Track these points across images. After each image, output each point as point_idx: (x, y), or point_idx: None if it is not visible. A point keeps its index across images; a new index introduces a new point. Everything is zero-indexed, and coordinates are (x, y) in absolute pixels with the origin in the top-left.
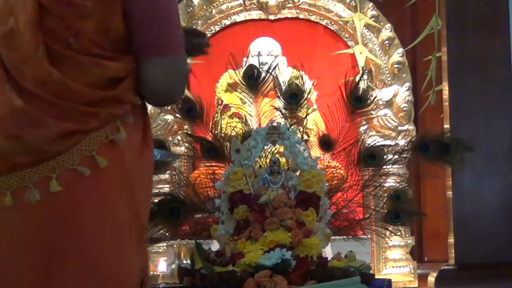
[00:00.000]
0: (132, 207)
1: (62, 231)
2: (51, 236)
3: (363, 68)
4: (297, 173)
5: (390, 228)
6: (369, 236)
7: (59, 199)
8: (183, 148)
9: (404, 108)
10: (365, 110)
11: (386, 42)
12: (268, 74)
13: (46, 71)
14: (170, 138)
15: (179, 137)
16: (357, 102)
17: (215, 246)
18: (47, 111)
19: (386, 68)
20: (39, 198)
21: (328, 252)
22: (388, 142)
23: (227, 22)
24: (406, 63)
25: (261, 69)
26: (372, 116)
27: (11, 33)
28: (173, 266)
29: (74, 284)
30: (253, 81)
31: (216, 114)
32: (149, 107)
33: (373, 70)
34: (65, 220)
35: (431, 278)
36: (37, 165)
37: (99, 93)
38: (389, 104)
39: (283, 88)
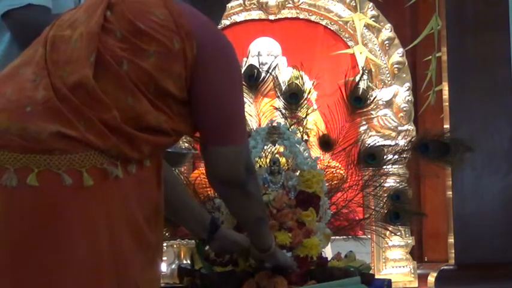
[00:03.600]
0: (116, 241)
1: (28, 225)
2: (17, 227)
3: (362, 68)
4: (297, 173)
5: (390, 228)
6: (369, 236)
7: (31, 193)
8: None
9: (404, 108)
10: (365, 110)
11: (386, 42)
12: (268, 74)
13: (86, 76)
14: None
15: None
16: (356, 102)
17: None
18: (64, 112)
19: (386, 68)
20: (14, 185)
21: (328, 252)
22: (388, 142)
23: (227, 22)
24: (406, 63)
25: (261, 69)
26: (372, 116)
27: (61, 38)
28: (173, 266)
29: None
30: (253, 81)
31: None
32: None
33: (373, 70)
34: (32, 218)
35: (431, 278)
36: (25, 153)
37: (119, 121)
38: (389, 104)
39: (283, 88)
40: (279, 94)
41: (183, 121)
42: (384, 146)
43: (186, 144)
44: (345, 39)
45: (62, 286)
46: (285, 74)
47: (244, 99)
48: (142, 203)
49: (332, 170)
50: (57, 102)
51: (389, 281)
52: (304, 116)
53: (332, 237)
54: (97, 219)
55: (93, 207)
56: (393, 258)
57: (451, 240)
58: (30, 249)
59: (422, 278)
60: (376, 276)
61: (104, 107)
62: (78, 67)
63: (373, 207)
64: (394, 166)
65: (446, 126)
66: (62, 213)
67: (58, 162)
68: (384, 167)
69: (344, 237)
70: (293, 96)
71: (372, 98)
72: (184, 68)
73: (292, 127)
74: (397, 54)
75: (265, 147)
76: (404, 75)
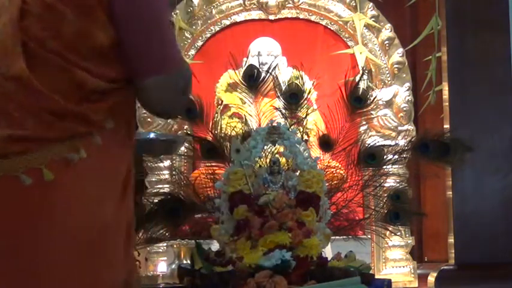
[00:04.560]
0: (89, 227)
1: None
2: None
3: (362, 68)
4: (297, 173)
5: (390, 228)
6: (369, 236)
7: None
8: (182, 148)
9: (404, 108)
10: (365, 110)
11: (386, 42)
12: (268, 74)
13: (21, 68)
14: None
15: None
16: (356, 102)
17: (215, 246)
18: (11, 112)
19: (386, 68)
20: None
21: (328, 252)
22: (388, 142)
23: (227, 22)
24: (406, 63)
25: (261, 69)
26: (372, 116)
27: None
28: (173, 266)
29: None
30: (253, 81)
31: (216, 114)
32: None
33: (373, 70)
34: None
35: (431, 278)
36: None
37: (63, 103)
38: (389, 104)
39: (283, 88)
40: (279, 94)
41: (122, 65)
42: (383, 146)
43: (184, 147)
44: (345, 39)
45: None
46: (285, 74)
47: (245, 99)
48: (113, 173)
49: (332, 170)
50: (2, 104)
51: (389, 281)
52: (304, 116)
53: (332, 237)
54: (65, 210)
55: (57, 199)
56: (393, 258)
57: (451, 240)
58: (3, 255)
59: (422, 278)
60: (376, 276)
61: (45, 96)
62: (12, 60)
63: (373, 207)
64: (394, 166)
65: (446, 126)
66: (27, 214)
67: (15, 165)
68: (384, 167)
69: (344, 237)
70: (293, 96)
71: (372, 98)
72: (104, 12)
73: (292, 127)
74: (397, 54)
75: (265, 147)
76: (404, 75)
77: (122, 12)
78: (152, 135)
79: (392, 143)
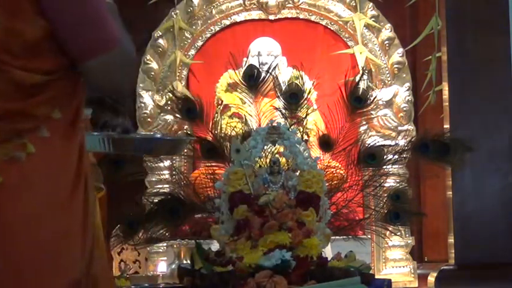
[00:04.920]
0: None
1: None
2: None
3: (362, 68)
4: (297, 173)
5: (390, 228)
6: (369, 236)
7: None
8: None
9: (404, 108)
10: (365, 110)
11: (386, 42)
12: (268, 74)
13: None
14: None
15: None
16: (356, 102)
17: (215, 246)
18: None
19: (386, 68)
20: None
21: (328, 252)
22: (388, 142)
23: (227, 22)
24: (406, 63)
25: (261, 69)
26: (372, 116)
27: None
28: (173, 266)
29: None
30: (253, 81)
31: (216, 114)
32: (149, 108)
33: (373, 70)
34: None
35: (431, 278)
36: None
37: (3, 104)
38: (389, 104)
39: (283, 88)
40: (279, 94)
41: (57, 55)
42: (383, 146)
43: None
44: (345, 39)
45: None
46: (285, 74)
47: (245, 99)
48: (63, 164)
49: (332, 170)
50: None
51: (389, 281)
52: (304, 116)
53: (332, 237)
54: (13, 212)
55: (8, 203)
56: (393, 258)
57: (451, 240)
58: None
59: (422, 278)
60: (376, 276)
61: None
62: None
63: (373, 207)
64: (394, 166)
65: (446, 126)
66: None
67: None
68: (384, 167)
69: (344, 237)
70: (293, 96)
71: (372, 98)
72: (30, 3)
73: (292, 127)
74: (397, 54)
75: (265, 147)
76: (404, 75)
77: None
78: (158, 135)
79: (392, 143)
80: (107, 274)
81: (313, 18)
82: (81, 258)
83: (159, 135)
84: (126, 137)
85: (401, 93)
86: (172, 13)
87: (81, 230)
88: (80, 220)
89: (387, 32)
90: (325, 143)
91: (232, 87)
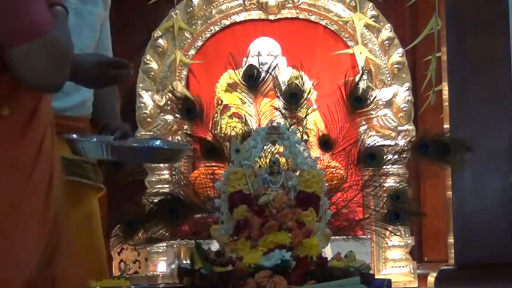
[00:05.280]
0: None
1: None
2: None
3: (362, 68)
4: (297, 173)
5: (390, 228)
6: (369, 236)
7: None
8: None
9: (404, 108)
10: (365, 110)
11: (386, 42)
12: (268, 74)
13: None
14: (170, 138)
15: (179, 137)
16: (356, 102)
17: (215, 246)
18: None
19: (386, 68)
20: None
21: (328, 252)
22: (388, 142)
23: (227, 22)
24: (406, 63)
25: (260, 69)
26: (372, 116)
27: None
28: (173, 266)
29: None
30: (253, 81)
31: (216, 114)
32: (148, 108)
33: (373, 70)
34: None
35: (431, 278)
36: None
37: None
38: (389, 104)
39: (283, 88)
40: (278, 94)
41: None
42: (383, 146)
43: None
44: (345, 39)
45: None
46: (285, 74)
47: (244, 99)
48: (12, 161)
49: (332, 170)
50: None
51: (389, 281)
52: (304, 116)
53: (332, 237)
54: None
55: None
56: (393, 258)
57: (451, 240)
58: None
59: (422, 278)
60: (376, 276)
61: None
62: None
63: (373, 207)
64: (394, 166)
65: (446, 126)
66: None
67: None
68: (384, 167)
69: (344, 237)
70: (293, 96)
71: (371, 98)
72: None
73: (292, 127)
74: (397, 54)
75: (265, 147)
76: (404, 75)
77: None
78: (158, 142)
79: (392, 143)
80: (73, 274)
81: (313, 18)
82: (33, 258)
83: (158, 142)
84: (125, 145)
85: (401, 93)
86: (172, 13)
87: (36, 230)
88: (36, 220)
89: (387, 32)
90: (325, 143)
91: (232, 87)
